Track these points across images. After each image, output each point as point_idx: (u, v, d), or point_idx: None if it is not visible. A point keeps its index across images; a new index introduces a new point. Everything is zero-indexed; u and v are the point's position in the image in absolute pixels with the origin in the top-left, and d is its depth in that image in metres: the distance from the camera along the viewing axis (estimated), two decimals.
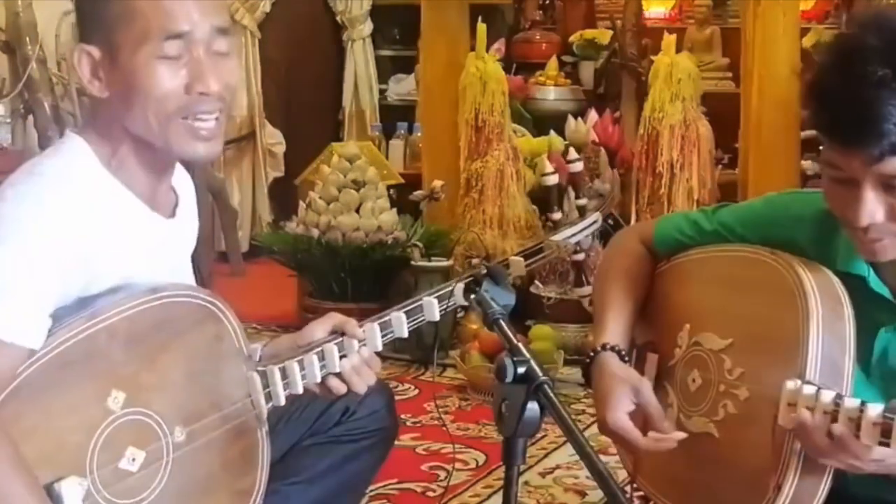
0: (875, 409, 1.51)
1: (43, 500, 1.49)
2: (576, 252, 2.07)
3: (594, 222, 2.18)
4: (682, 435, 1.75)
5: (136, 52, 1.60)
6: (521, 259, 2.00)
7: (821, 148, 1.64)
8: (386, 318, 1.83)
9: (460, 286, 1.76)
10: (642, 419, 1.85)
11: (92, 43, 1.62)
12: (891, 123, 1.45)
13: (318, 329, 1.83)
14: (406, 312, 1.84)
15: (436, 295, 1.85)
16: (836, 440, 1.51)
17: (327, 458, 2.04)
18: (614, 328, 1.89)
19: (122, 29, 1.60)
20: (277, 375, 1.74)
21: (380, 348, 1.82)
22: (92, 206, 1.62)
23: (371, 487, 2.59)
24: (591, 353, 1.88)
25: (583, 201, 4.16)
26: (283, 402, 1.75)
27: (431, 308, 1.85)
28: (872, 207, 1.52)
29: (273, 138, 6.05)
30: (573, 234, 2.11)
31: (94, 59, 1.62)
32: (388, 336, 1.83)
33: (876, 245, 1.58)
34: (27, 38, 4.47)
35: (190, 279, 1.85)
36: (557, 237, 2.11)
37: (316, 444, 2.03)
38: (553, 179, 4.24)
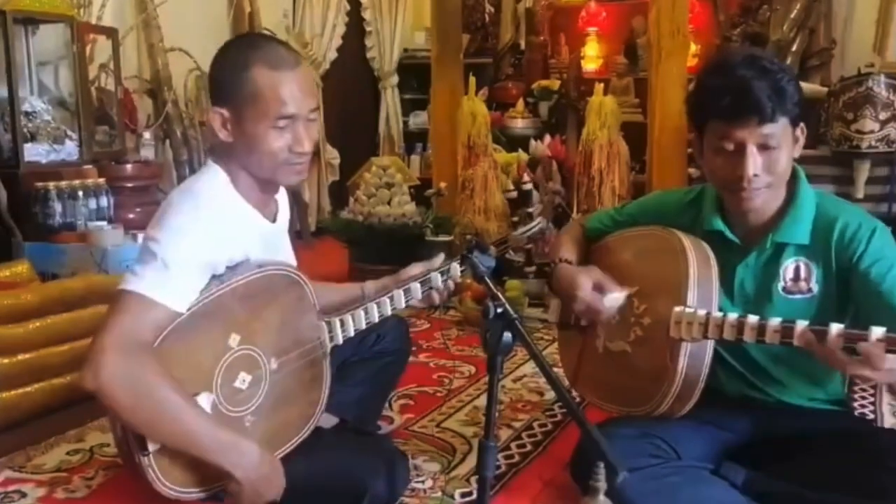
0: (732, 315, 1.57)
1: (210, 421, 1.52)
2: (527, 244, 2.04)
3: (538, 224, 2.20)
4: (630, 289, 1.77)
5: (257, 124, 1.60)
6: (494, 247, 1.98)
7: (701, 140, 1.66)
8: (427, 277, 1.82)
9: (472, 257, 1.71)
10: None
11: (224, 107, 1.62)
12: (764, 100, 1.53)
13: (415, 267, 1.86)
14: (440, 272, 1.83)
15: (458, 261, 1.82)
16: (864, 356, 1.39)
17: (367, 368, 2.07)
18: (566, 251, 1.92)
19: (248, 105, 1.59)
20: (338, 324, 1.75)
21: (419, 298, 1.82)
22: (232, 214, 1.63)
23: (398, 390, 2.60)
24: (553, 264, 1.89)
25: (532, 208, 4.14)
26: (340, 342, 1.76)
27: (455, 270, 1.83)
28: (755, 161, 1.57)
29: (332, 154, 6.00)
30: (524, 232, 2.12)
31: (223, 117, 1.62)
32: (426, 289, 1.83)
33: (755, 193, 1.60)
34: (165, 87, 4.46)
35: (290, 260, 1.84)
36: (516, 233, 2.12)
37: (359, 360, 2.06)
38: (528, 186, 4.27)
